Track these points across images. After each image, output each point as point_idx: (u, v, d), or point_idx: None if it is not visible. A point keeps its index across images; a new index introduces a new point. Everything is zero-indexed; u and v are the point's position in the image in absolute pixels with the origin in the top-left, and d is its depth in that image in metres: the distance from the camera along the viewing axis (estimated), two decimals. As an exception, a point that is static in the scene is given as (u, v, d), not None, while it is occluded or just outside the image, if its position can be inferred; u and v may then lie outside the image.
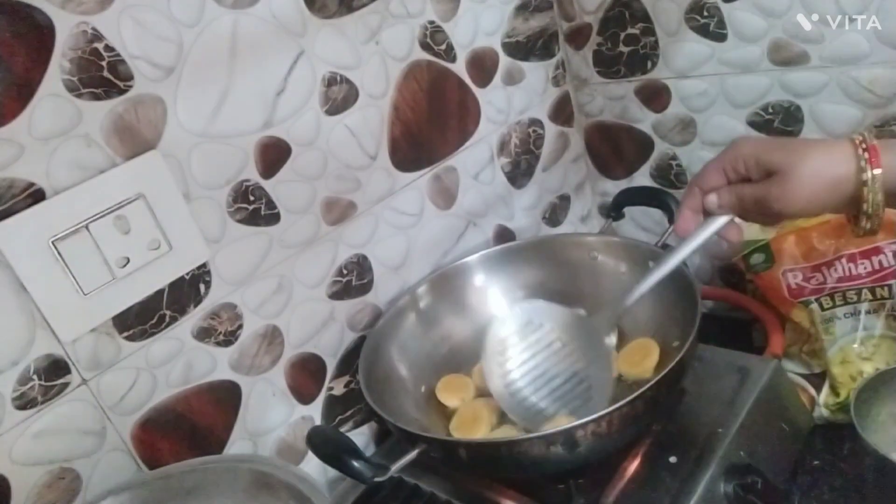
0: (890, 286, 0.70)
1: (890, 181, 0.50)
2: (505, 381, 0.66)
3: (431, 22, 0.77)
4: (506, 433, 0.65)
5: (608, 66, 0.90)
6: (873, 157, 0.50)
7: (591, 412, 0.56)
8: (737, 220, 0.56)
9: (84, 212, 0.54)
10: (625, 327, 0.75)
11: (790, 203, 0.51)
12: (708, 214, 0.56)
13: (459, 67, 0.81)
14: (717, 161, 0.55)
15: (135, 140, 0.56)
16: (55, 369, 0.54)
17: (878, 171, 0.49)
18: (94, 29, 0.53)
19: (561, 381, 0.65)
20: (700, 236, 0.56)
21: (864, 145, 0.50)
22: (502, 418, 0.67)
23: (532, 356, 0.66)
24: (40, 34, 0.51)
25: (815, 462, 0.68)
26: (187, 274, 0.61)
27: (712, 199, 0.55)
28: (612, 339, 0.65)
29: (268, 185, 0.66)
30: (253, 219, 0.65)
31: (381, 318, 0.76)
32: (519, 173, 0.92)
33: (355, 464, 0.53)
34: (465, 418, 0.68)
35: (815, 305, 0.74)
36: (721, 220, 0.55)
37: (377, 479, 0.53)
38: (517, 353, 0.66)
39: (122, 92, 0.55)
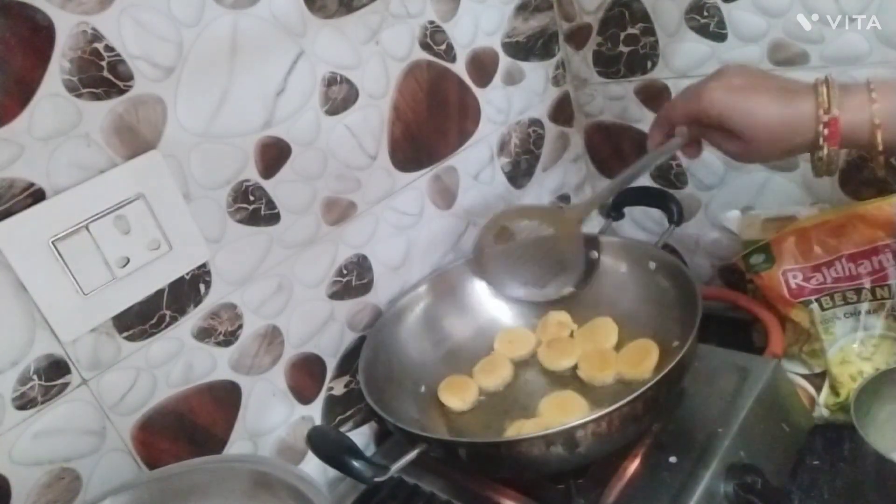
0: (890, 286, 0.70)
1: (857, 135, 0.52)
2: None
3: (431, 22, 0.77)
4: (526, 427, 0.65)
5: (608, 66, 0.90)
6: (832, 134, 0.52)
7: (565, 283, 0.76)
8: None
9: (84, 212, 0.54)
10: (625, 327, 0.75)
11: (750, 159, 0.60)
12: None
13: (459, 67, 0.81)
14: (684, 105, 0.61)
15: (135, 140, 0.56)
16: (55, 369, 0.54)
17: (833, 149, 0.53)
18: (94, 29, 0.53)
19: (539, 259, 0.76)
20: (668, 148, 0.65)
21: (826, 117, 0.52)
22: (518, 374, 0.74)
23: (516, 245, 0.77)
24: (40, 34, 0.51)
25: (815, 462, 0.68)
26: (187, 274, 0.61)
27: (683, 130, 0.64)
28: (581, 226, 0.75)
29: (268, 185, 0.66)
30: (253, 219, 0.65)
31: (381, 318, 0.76)
32: (519, 173, 0.92)
33: (355, 464, 0.53)
34: (486, 366, 0.74)
35: (815, 305, 0.74)
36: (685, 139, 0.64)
37: (377, 479, 0.53)
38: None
39: (122, 92, 0.55)
